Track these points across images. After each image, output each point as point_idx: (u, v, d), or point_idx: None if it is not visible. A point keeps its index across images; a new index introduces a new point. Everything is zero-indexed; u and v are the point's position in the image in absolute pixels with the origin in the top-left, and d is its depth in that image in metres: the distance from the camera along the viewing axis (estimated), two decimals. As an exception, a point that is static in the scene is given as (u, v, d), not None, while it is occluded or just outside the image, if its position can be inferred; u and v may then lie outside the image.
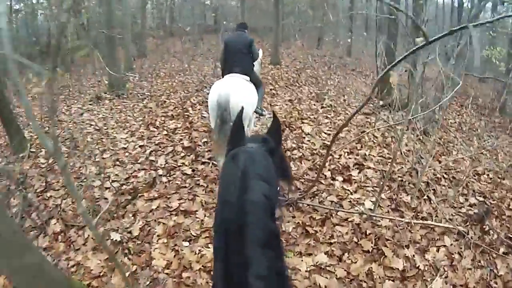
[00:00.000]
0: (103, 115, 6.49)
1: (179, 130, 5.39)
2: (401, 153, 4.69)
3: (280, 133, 1.30)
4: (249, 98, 3.53)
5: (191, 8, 20.51)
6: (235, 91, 3.29)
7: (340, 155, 4.53)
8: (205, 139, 4.95)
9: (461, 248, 3.07)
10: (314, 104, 6.73)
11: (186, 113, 6.11)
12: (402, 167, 4.37)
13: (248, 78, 3.94)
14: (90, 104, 7.28)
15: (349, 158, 4.48)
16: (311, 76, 9.62)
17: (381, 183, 3.50)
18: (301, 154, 4.53)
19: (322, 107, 6.58)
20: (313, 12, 16.72)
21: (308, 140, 4.97)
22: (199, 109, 6.39)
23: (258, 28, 19.64)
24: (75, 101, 7.66)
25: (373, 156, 4.60)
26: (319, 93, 7.37)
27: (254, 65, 4.26)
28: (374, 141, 5.10)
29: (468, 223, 3.42)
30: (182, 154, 4.56)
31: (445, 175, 4.38)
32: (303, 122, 5.69)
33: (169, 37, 17.59)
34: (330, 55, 13.72)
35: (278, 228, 1.02)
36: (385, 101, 6.83)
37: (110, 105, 7.20)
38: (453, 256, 2.98)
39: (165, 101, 7.08)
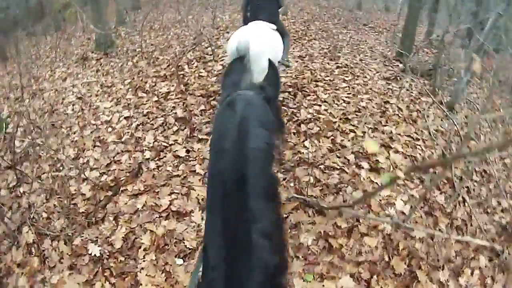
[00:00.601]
0: (88, 79, 5.73)
1: (172, 95, 4.64)
2: (430, 134, 4.05)
3: (279, 83, 1.23)
4: (272, 48, 3.19)
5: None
6: (257, 39, 2.96)
7: (364, 133, 3.87)
8: (202, 107, 4.24)
9: (495, 269, 2.62)
10: (328, 63, 5.90)
11: (180, 73, 5.29)
12: (432, 153, 3.73)
13: (274, 26, 3.53)
14: (75, 66, 6.51)
15: (374, 136, 3.83)
16: (321, 30, 8.61)
17: (423, 190, 2.89)
18: (319, 128, 3.85)
19: (337, 67, 5.75)
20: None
21: (326, 110, 4.25)
22: (196, 67, 5.54)
23: None
24: (60, 64, 6.86)
25: (400, 135, 3.94)
26: (333, 50, 6.49)
27: (279, 13, 3.91)
28: (400, 114, 4.40)
29: (502, 237, 2.90)
30: (175, 128, 3.88)
31: (476, 168, 3.75)
32: (317, 85, 4.92)
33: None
34: (339, 7, 12.53)
35: (277, 178, 0.92)
36: (406, 66, 6.06)
37: (97, 66, 6.41)
38: (486, 281, 2.53)
39: (157, 58, 6.22)
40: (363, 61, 6.25)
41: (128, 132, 3.89)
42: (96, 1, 6.91)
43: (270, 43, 3.22)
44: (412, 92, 5.33)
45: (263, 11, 3.63)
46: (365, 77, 5.51)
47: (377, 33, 9.71)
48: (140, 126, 3.99)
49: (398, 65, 6.34)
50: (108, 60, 6.61)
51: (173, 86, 4.90)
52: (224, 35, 7.08)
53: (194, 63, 5.71)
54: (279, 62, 3.65)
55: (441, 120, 4.79)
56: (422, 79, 5.71)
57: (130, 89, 5.05)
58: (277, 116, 1.11)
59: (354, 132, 3.86)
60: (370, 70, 5.88)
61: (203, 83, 4.90)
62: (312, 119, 4.01)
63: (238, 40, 2.92)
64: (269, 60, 1.28)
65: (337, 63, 5.89)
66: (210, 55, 5.83)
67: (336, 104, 4.43)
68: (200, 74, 5.25)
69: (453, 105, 5.37)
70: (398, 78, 5.61)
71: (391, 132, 3.96)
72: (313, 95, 4.60)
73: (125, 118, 4.23)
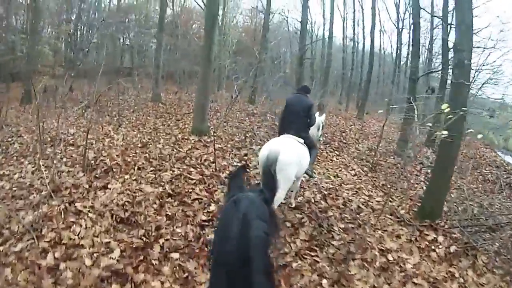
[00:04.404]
0: None
1: None
2: None
3: (275, 189, 1.42)
4: (297, 159, 3.43)
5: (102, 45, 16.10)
6: (285, 150, 3.25)
7: None
8: None
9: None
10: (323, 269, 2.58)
11: None
12: None
13: (302, 140, 3.74)
14: None
15: None
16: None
17: None
18: None
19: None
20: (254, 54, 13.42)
21: None
22: None
23: (176, 73, 15.91)
24: None
25: None
26: (315, 231, 3.29)
27: (309, 129, 4.07)
28: None
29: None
30: None
31: None
32: None
33: (82, 78, 13.05)
34: (271, 113, 10.16)
35: (273, 261, 1.21)
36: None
37: None
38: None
39: None
40: (390, 254, 3.09)
41: None
42: None
43: (297, 156, 3.42)
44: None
45: (293, 125, 3.83)
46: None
47: (335, 152, 7.00)
48: None
49: (436, 239, 3.40)
50: None
51: None
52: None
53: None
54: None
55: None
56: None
57: None
58: (272, 216, 1.29)
59: None
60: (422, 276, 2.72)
61: None
62: None
63: (269, 149, 3.20)
64: (268, 168, 1.66)
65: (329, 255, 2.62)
66: None
67: None
68: None
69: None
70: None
71: None
72: None
73: None
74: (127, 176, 4.21)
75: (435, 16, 11.35)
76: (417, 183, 5.49)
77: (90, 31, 16.57)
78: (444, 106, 2.79)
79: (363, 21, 19.62)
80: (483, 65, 8.94)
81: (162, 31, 11.85)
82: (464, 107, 3.31)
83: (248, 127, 8.21)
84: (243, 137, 7.03)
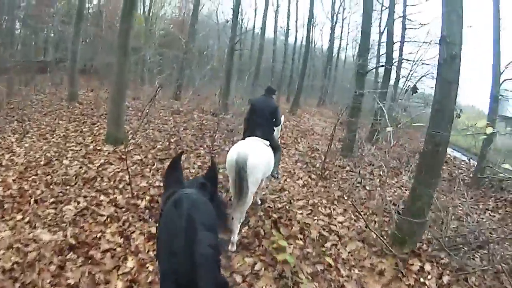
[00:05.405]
0: None
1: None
2: None
3: (217, 177, 1.31)
4: (265, 162, 3.46)
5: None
6: (253, 153, 3.24)
7: None
8: None
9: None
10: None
11: None
12: None
13: (268, 142, 3.79)
14: None
15: None
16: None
17: None
18: None
19: None
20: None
21: None
22: None
23: (98, 67, 14.03)
24: None
25: None
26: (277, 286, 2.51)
27: (274, 130, 4.12)
28: None
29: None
30: None
31: None
32: None
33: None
34: (200, 111, 9.19)
35: (225, 277, 1.02)
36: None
37: None
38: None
39: None
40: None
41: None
42: None
43: (265, 158, 3.44)
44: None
45: (260, 128, 3.81)
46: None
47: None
48: None
49: (423, 268, 2.94)
50: None
51: None
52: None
53: None
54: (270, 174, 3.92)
55: None
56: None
57: None
58: (219, 209, 1.18)
59: None
60: None
61: None
62: None
63: (238, 152, 3.16)
64: (211, 158, 1.59)
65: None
66: None
67: None
68: None
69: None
70: None
71: None
72: None
73: None
74: (19, 216, 3.04)
75: (384, 6, 10.82)
76: (373, 190, 4.97)
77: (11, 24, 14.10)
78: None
79: (296, 13, 19.43)
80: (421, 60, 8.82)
81: (81, 20, 10.15)
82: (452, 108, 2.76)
83: (173, 129, 7.14)
84: (167, 143, 5.98)
